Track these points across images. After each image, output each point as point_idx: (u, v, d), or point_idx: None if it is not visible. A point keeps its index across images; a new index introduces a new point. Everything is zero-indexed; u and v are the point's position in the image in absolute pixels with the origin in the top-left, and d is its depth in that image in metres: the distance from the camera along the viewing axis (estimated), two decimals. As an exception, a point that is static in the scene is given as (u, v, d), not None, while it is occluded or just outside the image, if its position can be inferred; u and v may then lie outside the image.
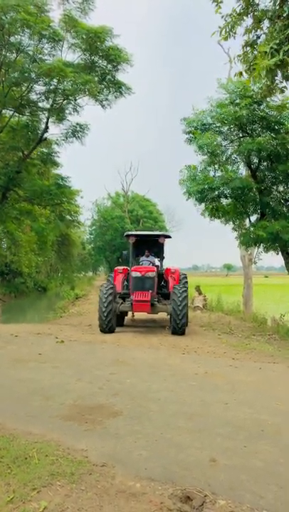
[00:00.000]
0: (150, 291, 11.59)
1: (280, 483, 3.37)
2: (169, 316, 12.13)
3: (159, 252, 13.80)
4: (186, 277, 13.20)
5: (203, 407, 5.18)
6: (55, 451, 3.77)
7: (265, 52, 6.05)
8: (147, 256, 13.55)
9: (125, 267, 13.30)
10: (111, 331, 11.27)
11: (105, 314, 11.03)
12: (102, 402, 5.24)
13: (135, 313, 12.41)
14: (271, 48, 5.85)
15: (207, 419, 4.76)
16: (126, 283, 12.86)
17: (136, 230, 25.80)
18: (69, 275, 33.13)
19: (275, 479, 3.43)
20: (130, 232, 13.56)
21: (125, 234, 13.47)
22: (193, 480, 3.37)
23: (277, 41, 5.91)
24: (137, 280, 11.86)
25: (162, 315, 13.49)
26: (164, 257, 13.82)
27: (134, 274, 11.93)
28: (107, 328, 11.13)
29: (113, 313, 11.26)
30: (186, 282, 12.87)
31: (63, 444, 3.93)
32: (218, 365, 7.52)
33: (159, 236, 13.37)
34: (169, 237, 13.54)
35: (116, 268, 13.54)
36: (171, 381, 6.33)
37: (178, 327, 11.21)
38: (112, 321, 11.19)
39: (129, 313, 12.62)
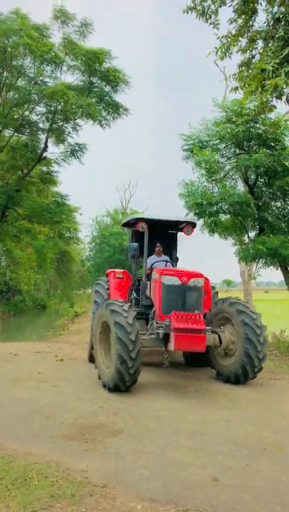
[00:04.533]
0: (198, 312, 6.94)
1: (282, 502, 3.33)
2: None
3: (171, 250, 9.17)
4: (217, 293, 9.03)
5: (205, 425, 5.13)
6: (55, 472, 3.73)
7: (262, 70, 6.19)
8: (159, 254, 8.76)
9: (123, 270, 9.25)
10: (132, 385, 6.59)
11: (131, 364, 6.19)
12: (103, 420, 5.19)
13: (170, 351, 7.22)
14: (272, 66, 5.98)
15: (208, 438, 4.71)
16: (134, 294, 8.50)
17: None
18: (68, 292, 33.03)
19: (278, 498, 3.38)
20: (142, 216, 8.38)
21: (132, 218, 8.55)
22: (196, 500, 3.33)
23: (278, 61, 6.06)
24: (174, 292, 7.18)
25: None
26: (177, 258, 9.19)
27: (166, 280, 7.23)
28: (130, 383, 6.43)
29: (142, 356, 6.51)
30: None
31: (63, 465, 3.89)
32: (219, 382, 7.46)
33: (182, 224, 8.56)
34: (195, 225, 8.72)
35: (110, 270, 9.22)
36: (171, 399, 6.28)
37: (253, 371, 7.01)
38: (139, 370, 6.43)
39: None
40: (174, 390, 6.79)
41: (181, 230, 8.90)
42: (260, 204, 12.51)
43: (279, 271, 12.99)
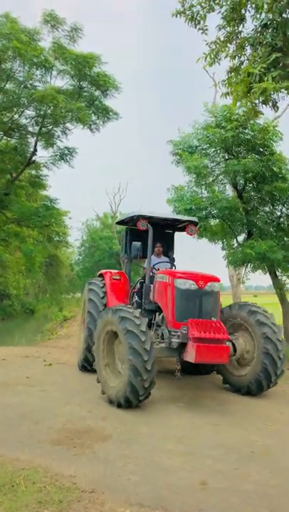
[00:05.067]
0: (215, 319, 6.46)
1: (270, 505, 3.34)
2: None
3: (168, 251, 8.82)
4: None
5: (194, 429, 5.13)
6: (43, 478, 3.69)
7: (249, 74, 6.27)
8: (159, 255, 8.35)
9: (118, 271, 8.73)
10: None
11: (146, 377, 5.61)
12: (92, 425, 5.16)
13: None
14: (259, 70, 6.06)
15: (197, 442, 4.71)
16: (136, 298, 7.89)
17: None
18: (57, 296, 32.88)
19: (266, 502, 3.40)
20: (143, 213, 7.60)
21: (131, 215, 7.81)
22: (184, 504, 3.32)
23: (265, 65, 6.14)
24: (189, 297, 6.57)
25: None
26: (174, 259, 8.82)
27: (181, 284, 6.60)
28: (143, 397, 5.86)
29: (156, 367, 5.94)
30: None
31: (51, 470, 3.86)
32: (207, 386, 7.47)
33: (182, 223, 8.22)
34: (197, 224, 8.31)
35: (105, 271, 8.59)
36: (160, 403, 6.27)
37: (268, 386, 6.65)
38: (154, 382, 5.85)
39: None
40: (162, 395, 6.78)
41: (180, 229, 8.68)
42: (249, 209, 12.60)
43: (268, 275, 13.08)
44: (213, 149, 12.59)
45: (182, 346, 6.22)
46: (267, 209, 13.04)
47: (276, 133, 11.69)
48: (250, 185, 12.83)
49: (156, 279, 7.22)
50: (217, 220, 13.44)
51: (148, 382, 5.65)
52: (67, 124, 18.27)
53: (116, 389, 5.94)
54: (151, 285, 7.38)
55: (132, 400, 5.71)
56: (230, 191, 14.00)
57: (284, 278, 13.34)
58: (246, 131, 11.67)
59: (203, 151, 12.66)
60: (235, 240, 13.89)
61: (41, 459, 4.13)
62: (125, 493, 3.49)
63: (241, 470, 3.98)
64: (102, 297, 8.11)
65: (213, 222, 13.50)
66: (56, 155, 19.08)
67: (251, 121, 10.75)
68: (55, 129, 18.41)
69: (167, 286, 6.74)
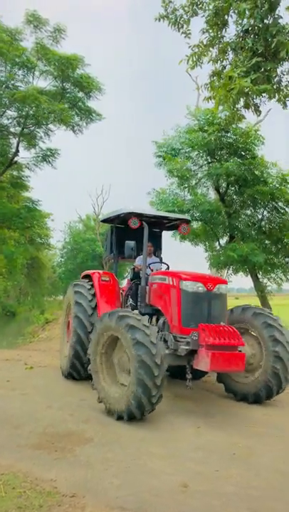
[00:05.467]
0: (223, 323, 6.10)
1: (251, 507, 3.36)
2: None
3: (155, 250, 8.38)
4: None
5: (175, 432, 5.14)
6: (23, 483, 3.63)
7: (230, 77, 6.35)
8: (150, 255, 7.77)
9: (105, 272, 8.13)
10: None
11: (155, 392, 5.21)
12: (73, 429, 5.11)
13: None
14: (239, 74, 6.14)
15: (179, 444, 4.71)
16: (131, 301, 7.45)
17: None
18: (39, 299, 32.54)
19: (247, 503, 3.41)
20: (133, 210, 7.19)
21: (121, 212, 7.36)
22: (165, 507, 3.32)
23: (244, 69, 6.22)
24: (198, 300, 6.13)
25: None
26: (162, 259, 8.46)
27: (189, 286, 6.13)
28: (149, 412, 5.44)
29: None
30: None
31: (32, 475, 3.80)
32: (187, 388, 7.48)
33: (177, 221, 7.91)
34: (190, 222, 8.14)
35: (92, 271, 8.01)
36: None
37: (277, 392, 6.37)
38: (161, 397, 5.44)
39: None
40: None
41: (169, 228, 8.49)
42: (231, 212, 12.73)
43: (249, 277, 13.22)
44: (196, 152, 12.69)
45: (191, 353, 5.81)
46: (248, 212, 13.21)
47: (258, 137, 11.86)
48: (233, 188, 12.98)
49: (154, 281, 6.82)
50: (200, 223, 13.54)
51: (156, 398, 5.25)
52: (50, 125, 18.18)
53: (116, 400, 5.48)
54: (147, 287, 6.95)
55: (136, 415, 5.29)
56: (212, 194, 14.13)
57: (265, 280, 13.52)
58: (228, 134, 11.81)
59: (186, 154, 12.75)
60: (217, 242, 14.01)
61: (21, 463, 4.06)
62: (106, 496, 3.46)
63: (222, 472, 3.99)
64: (91, 300, 7.58)
65: (195, 224, 13.60)
66: (39, 156, 18.97)
67: (233, 126, 10.87)
68: (37, 130, 18.30)
69: (171, 289, 6.28)
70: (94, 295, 7.63)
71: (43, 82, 17.84)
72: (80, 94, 18.17)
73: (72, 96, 18.20)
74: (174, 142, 12.87)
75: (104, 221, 8.49)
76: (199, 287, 6.11)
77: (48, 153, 18.91)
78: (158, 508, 3.30)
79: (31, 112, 16.85)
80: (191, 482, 3.74)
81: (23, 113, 17.22)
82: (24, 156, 19.76)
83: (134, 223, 6.87)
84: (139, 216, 7.08)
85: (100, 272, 8.00)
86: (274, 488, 3.72)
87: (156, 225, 8.24)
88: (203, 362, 5.48)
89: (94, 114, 18.58)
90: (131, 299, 7.45)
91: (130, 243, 6.97)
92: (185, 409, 6.18)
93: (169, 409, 6.13)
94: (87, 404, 6.18)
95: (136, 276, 7.61)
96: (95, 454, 4.35)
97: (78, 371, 7.42)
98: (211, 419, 5.71)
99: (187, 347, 5.77)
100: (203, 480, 3.81)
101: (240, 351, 5.69)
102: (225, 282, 6.53)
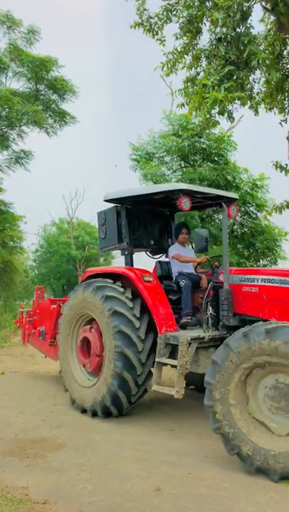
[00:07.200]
0: None
1: (224, 508, 3.39)
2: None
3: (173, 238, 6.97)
4: None
5: (149, 436, 5.14)
6: (-6, 491, 3.57)
7: (204, 85, 6.45)
8: (183, 244, 6.81)
9: (141, 269, 5.95)
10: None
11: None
12: (46, 434, 5.05)
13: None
14: (212, 82, 6.24)
15: (152, 448, 4.72)
16: (211, 311, 5.29)
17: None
18: (11, 303, 31.99)
19: (220, 505, 3.44)
20: (184, 187, 5.71)
21: (172, 188, 5.78)
22: (139, 511, 3.31)
23: (218, 77, 6.34)
24: None
25: None
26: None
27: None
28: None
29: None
30: None
31: (2, 482, 3.74)
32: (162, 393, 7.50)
33: (228, 199, 6.39)
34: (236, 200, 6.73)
35: (121, 268, 6.07)
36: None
37: None
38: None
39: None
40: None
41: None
42: (204, 216, 12.87)
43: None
44: (170, 157, 12.78)
45: None
46: (221, 216, 13.36)
47: (231, 143, 12.05)
48: (206, 193, 13.11)
49: (245, 282, 5.21)
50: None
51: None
52: (23, 127, 17.97)
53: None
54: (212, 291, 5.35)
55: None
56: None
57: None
58: (202, 140, 11.95)
59: (161, 159, 12.83)
60: (190, 246, 14.12)
61: (-8, 471, 3.99)
62: (79, 502, 3.44)
63: (195, 474, 4.02)
64: (132, 308, 5.55)
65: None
66: (11, 158, 18.69)
67: (207, 131, 11.02)
68: (10, 131, 18.05)
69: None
70: (132, 300, 5.65)
71: (16, 84, 17.68)
72: (54, 97, 18.05)
73: (46, 98, 18.06)
74: (149, 147, 12.95)
75: (109, 201, 6.33)
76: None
77: (22, 155, 18.67)
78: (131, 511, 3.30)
79: (4, 113, 16.62)
80: (165, 485, 3.75)
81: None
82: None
83: (185, 204, 5.40)
84: (188, 194, 5.51)
85: (136, 269, 5.97)
86: (245, 489, 3.77)
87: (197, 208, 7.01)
88: None
89: (68, 117, 18.48)
90: (211, 308, 5.32)
91: (202, 232, 5.59)
92: (159, 412, 6.19)
93: (143, 413, 6.13)
94: (60, 409, 6.13)
95: (166, 273, 6.40)
96: (68, 459, 4.31)
97: (121, 406, 5.57)
98: (184, 422, 5.73)
99: None
100: (177, 483, 3.82)
101: None
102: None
